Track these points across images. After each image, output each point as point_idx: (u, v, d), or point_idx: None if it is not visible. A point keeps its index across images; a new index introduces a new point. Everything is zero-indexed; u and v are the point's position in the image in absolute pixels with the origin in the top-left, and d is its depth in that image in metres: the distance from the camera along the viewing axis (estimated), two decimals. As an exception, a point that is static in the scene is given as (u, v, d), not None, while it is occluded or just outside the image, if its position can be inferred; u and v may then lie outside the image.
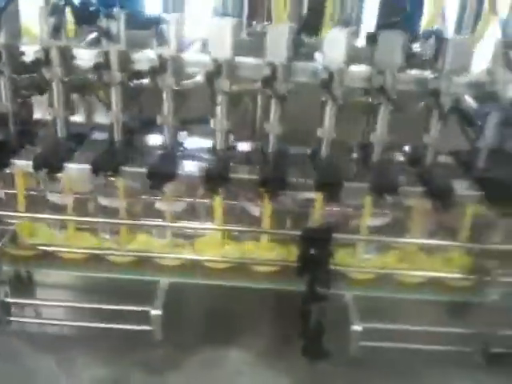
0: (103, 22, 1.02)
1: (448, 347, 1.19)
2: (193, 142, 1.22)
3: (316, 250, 1.09)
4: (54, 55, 1.06)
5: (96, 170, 1.06)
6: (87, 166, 1.07)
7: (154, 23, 1.02)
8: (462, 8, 1.26)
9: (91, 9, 1.03)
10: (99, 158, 1.09)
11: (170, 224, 1.26)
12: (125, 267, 1.28)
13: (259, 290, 1.25)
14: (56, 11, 1.01)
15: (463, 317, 1.26)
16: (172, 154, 1.15)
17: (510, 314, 1.12)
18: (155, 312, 1.13)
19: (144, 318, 1.15)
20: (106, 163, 1.08)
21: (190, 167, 1.13)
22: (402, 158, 1.22)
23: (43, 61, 1.06)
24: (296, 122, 1.10)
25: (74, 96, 1.17)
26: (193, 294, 1.33)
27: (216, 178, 1.07)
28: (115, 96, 1.10)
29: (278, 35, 1.02)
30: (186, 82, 1.12)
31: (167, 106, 1.10)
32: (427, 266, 1.27)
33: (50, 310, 1.31)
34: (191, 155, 1.17)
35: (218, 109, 1.09)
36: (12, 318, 1.21)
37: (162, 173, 1.08)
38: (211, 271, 1.28)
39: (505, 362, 1.15)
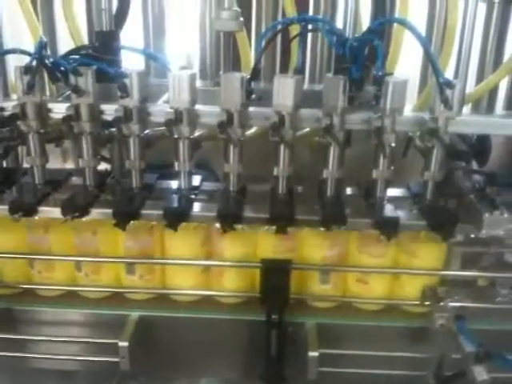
0: (72, 79, 1.12)
1: (403, 371, 1.24)
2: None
3: (274, 280, 1.15)
4: (29, 110, 1.16)
5: (65, 211, 1.15)
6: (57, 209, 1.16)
7: (120, 77, 1.12)
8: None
9: (62, 68, 1.13)
10: (67, 201, 1.18)
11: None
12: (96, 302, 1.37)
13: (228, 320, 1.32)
14: (30, 70, 1.11)
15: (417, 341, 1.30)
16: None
17: (458, 337, 1.16)
18: (122, 344, 1.20)
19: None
20: (75, 205, 1.17)
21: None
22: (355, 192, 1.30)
23: (20, 115, 1.17)
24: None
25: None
26: (162, 325, 1.38)
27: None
28: (85, 144, 1.19)
29: (231, 83, 1.11)
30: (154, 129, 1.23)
31: (133, 152, 1.19)
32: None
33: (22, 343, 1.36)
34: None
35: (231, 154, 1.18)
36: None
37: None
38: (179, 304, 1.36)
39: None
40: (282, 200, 1.19)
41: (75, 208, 1.16)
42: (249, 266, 1.29)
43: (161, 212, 1.16)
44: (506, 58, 1.18)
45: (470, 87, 1.23)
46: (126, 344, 1.21)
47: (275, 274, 1.18)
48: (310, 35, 1.31)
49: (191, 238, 1.31)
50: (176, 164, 1.20)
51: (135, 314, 1.31)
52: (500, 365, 1.13)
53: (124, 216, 1.16)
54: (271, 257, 1.26)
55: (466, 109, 1.20)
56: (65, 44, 1.34)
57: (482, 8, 1.19)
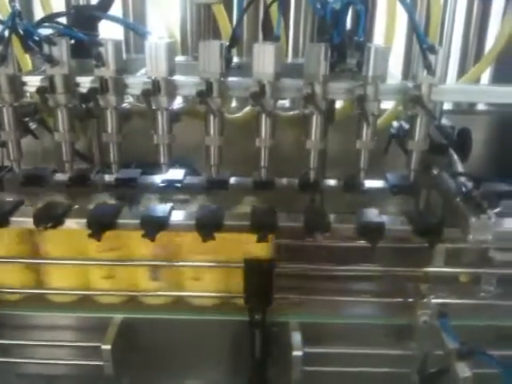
0: (46, 49, 1.09)
1: (387, 369, 1.25)
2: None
3: (257, 280, 1.14)
4: (2, 82, 1.13)
5: (37, 222, 1.12)
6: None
7: (95, 46, 1.08)
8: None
9: (35, 37, 1.09)
10: (39, 212, 1.14)
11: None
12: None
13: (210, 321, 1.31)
14: (1, 40, 1.08)
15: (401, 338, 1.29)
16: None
17: (441, 334, 1.17)
18: (105, 347, 1.19)
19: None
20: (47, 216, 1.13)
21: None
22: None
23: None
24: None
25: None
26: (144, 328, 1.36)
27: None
28: (61, 118, 1.16)
29: (210, 51, 1.08)
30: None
31: (110, 124, 1.16)
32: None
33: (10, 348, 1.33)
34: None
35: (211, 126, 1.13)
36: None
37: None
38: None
39: (439, 380, 1.21)
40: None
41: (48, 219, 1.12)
42: (231, 266, 1.26)
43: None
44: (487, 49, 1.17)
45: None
46: (108, 347, 1.19)
47: (258, 274, 1.16)
48: (293, 6, 1.29)
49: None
50: (155, 137, 1.17)
51: (118, 317, 1.29)
52: (483, 361, 1.14)
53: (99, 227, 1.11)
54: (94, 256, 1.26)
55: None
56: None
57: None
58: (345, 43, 1.11)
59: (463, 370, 1.12)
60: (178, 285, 1.34)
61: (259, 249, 1.20)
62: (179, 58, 1.15)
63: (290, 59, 1.36)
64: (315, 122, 1.13)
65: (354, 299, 1.36)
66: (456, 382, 1.13)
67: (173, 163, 1.21)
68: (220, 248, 1.22)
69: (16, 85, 1.14)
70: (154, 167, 1.25)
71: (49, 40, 1.07)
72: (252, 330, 1.21)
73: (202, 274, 1.30)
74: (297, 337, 1.25)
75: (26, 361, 1.30)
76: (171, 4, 1.40)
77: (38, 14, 1.33)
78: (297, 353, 1.22)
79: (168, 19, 1.41)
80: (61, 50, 1.09)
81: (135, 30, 1.26)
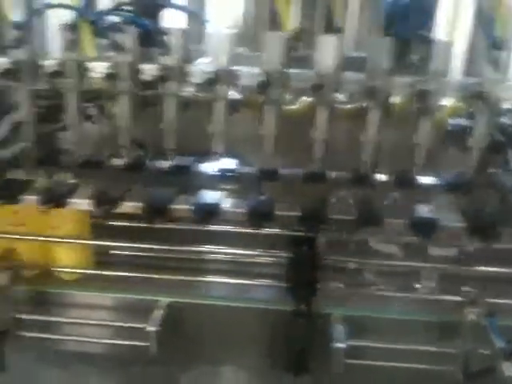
0: (114, 36, 1.12)
1: (430, 366, 1.23)
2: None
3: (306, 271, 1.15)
4: (69, 68, 1.16)
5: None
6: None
7: (161, 34, 1.11)
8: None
9: (106, 24, 1.13)
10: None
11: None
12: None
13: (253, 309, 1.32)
14: (73, 27, 1.11)
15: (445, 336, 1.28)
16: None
17: (487, 333, 1.16)
18: (151, 328, 1.21)
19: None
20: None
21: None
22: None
23: (60, 72, 1.17)
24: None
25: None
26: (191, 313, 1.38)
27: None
28: (123, 104, 1.19)
29: (273, 42, 1.09)
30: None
31: (170, 112, 1.18)
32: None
33: (56, 326, 1.36)
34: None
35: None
36: (21, 333, 1.28)
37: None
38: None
39: (483, 379, 1.19)
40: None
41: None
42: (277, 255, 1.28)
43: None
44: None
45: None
46: (154, 329, 1.21)
47: (305, 263, 1.17)
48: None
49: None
50: (211, 126, 1.19)
51: (165, 300, 1.31)
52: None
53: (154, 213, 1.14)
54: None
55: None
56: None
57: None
58: (409, 38, 1.10)
59: (510, 369, 1.11)
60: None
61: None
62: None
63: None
64: (374, 116, 1.13)
65: (400, 294, 1.36)
66: (502, 382, 1.12)
67: (225, 153, 1.24)
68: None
69: (81, 71, 1.18)
70: (204, 157, 1.27)
71: (118, 27, 1.10)
72: (296, 320, 1.22)
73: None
74: (339, 329, 1.25)
75: (63, 337, 1.33)
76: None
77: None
78: (339, 345, 1.22)
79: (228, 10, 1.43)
80: (128, 38, 1.12)
81: (198, 18, 1.28)
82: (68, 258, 1.38)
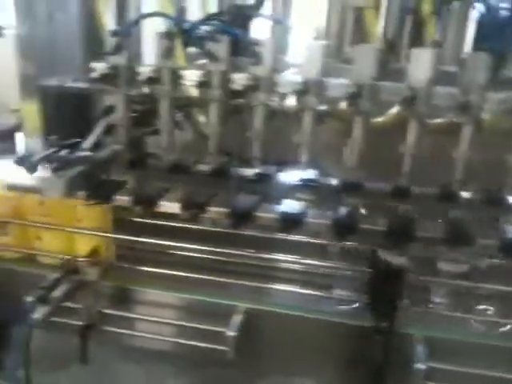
0: (208, 45, 1.15)
1: None
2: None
3: (388, 287, 1.13)
4: (164, 75, 1.21)
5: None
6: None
7: (252, 45, 1.13)
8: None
9: (199, 34, 1.16)
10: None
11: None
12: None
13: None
14: (169, 35, 1.16)
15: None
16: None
17: None
18: (230, 333, 1.22)
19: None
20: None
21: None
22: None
23: (155, 79, 1.22)
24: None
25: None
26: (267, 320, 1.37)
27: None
28: (213, 112, 1.22)
29: (365, 55, 1.09)
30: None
31: (257, 121, 1.20)
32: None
33: (136, 323, 1.39)
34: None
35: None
36: (104, 328, 1.32)
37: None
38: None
39: None
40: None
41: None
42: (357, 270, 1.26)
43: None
44: None
45: None
46: (233, 334, 1.22)
47: (388, 279, 1.14)
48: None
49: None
50: (296, 136, 1.20)
51: (242, 306, 1.31)
52: None
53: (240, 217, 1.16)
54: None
55: None
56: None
57: None
58: (505, 52, 1.07)
59: None
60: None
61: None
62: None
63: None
64: (466, 131, 1.10)
65: (482, 318, 1.30)
66: None
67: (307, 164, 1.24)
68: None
69: (175, 78, 1.22)
70: (285, 166, 1.28)
71: (212, 37, 1.13)
72: (376, 337, 1.19)
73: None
74: (420, 349, 1.22)
75: (138, 334, 1.36)
76: (317, 6, 1.42)
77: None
78: (420, 366, 1.19)
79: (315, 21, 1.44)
80: (221, 47, 1.15)
81: (286, 29, 1.29)
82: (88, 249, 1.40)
